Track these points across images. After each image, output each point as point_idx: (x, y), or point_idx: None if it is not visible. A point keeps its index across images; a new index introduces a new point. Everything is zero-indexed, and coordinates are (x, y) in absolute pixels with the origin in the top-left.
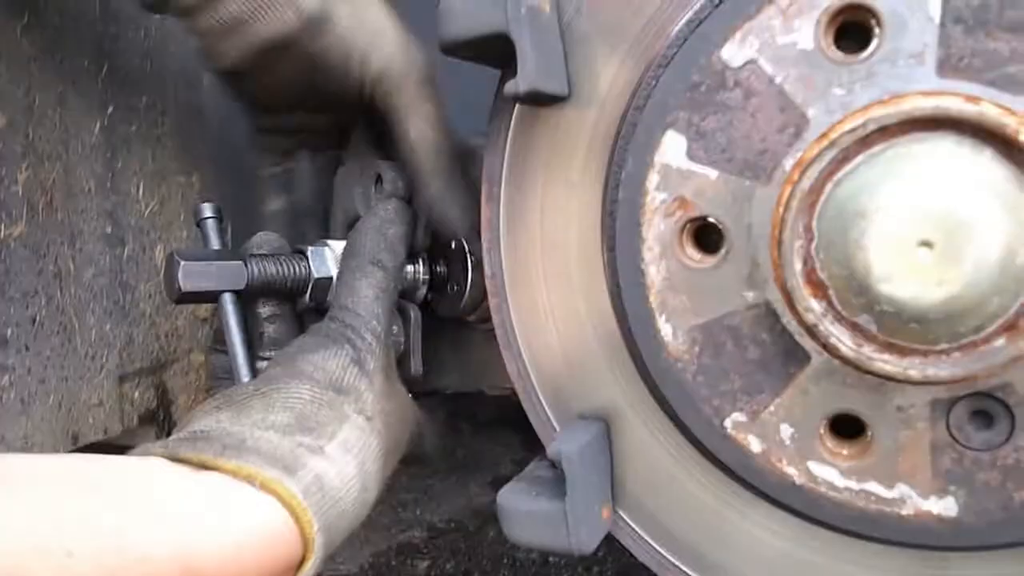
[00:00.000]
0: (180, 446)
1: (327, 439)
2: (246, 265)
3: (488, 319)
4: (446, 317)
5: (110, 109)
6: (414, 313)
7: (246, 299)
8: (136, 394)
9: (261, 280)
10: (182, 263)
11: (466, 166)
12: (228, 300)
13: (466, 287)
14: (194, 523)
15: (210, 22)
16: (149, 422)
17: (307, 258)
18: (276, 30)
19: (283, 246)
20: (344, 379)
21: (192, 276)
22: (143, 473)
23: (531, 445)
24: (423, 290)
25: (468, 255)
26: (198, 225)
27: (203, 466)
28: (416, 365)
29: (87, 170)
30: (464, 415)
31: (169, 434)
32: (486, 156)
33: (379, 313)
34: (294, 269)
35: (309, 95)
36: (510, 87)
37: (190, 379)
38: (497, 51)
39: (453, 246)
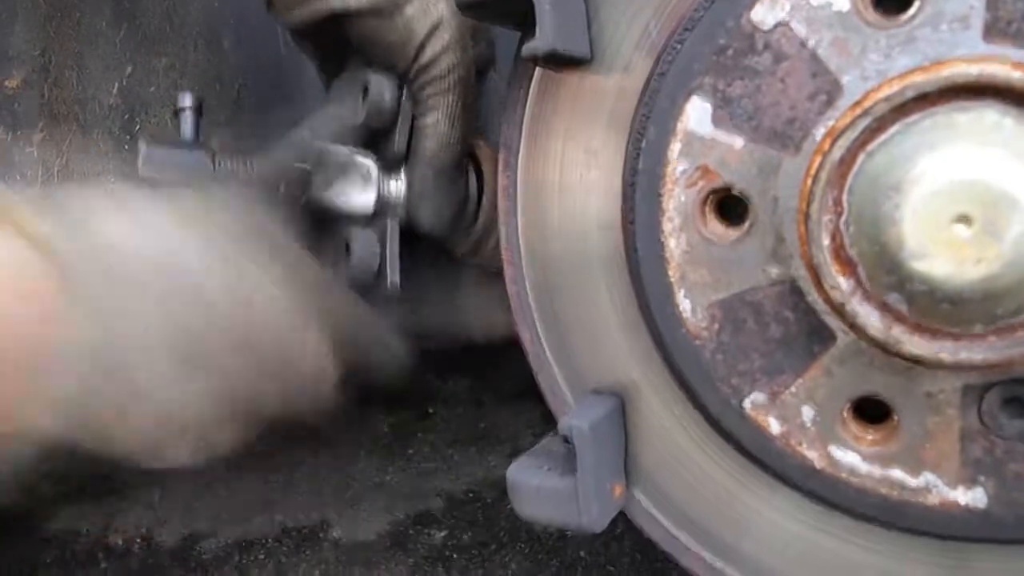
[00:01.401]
0: None
1: None
2: (213, 160)
3: (475, 253)
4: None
5: (128, 70)
6: (391, 225)
7: None
8: None
9: (225, 174)
10: (144, 148)
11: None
12: None
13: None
14: None
15: None
16: None
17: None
18: (346, 4)
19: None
20: None
21: (153, 162)
22: None
23: (552, 418)
24: (403, 207)
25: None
26: (175, 115)
27: None
28: (392, 279)
29: (104, 132)
30: (485, 387)
31: None
32: (503, 123)
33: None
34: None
35: (365, 57)
36: (529, 48)
37: None
38: (517, 10)
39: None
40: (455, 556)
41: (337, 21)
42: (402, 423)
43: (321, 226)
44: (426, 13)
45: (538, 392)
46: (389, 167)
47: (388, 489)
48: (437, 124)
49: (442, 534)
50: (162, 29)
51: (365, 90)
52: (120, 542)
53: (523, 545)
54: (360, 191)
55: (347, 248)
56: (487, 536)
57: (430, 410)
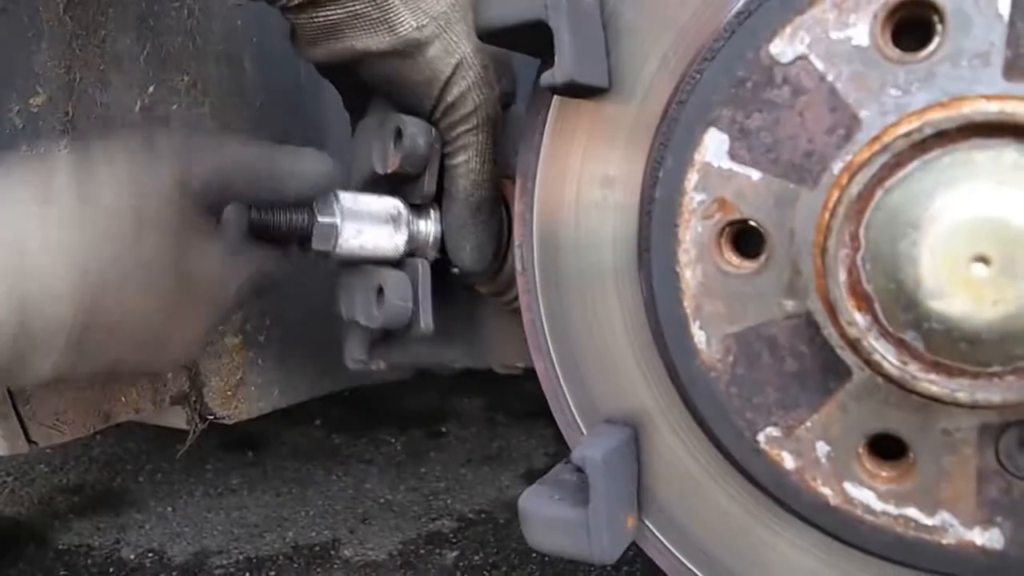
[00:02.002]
0: None
1: None
2: (248, 208)
3: (504, 292)
4: (460, 285)
5: (151, 88)
6: (421, 267)
7: None
8: (168, 375)
9: (261, 223)
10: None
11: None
12: None
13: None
14: None
15: (307, 23)
16: (181, 403)
17: (312, 204)
18: (367, 46)
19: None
20: None
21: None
22: None
23: (565, 439)
24: (435, 249)
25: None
26: None
27: None
28: (425, 320)
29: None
30: (499, 407)
31: (202, 417)
32: (520, 149)
33: None
34: (297, 214)
35: (389, 98)
36: (547, 78)
37: (223, 362)
38: (536, 40)
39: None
40: None
41: (359, 62)
42: (414, 442)
43: (349, 267)
44: (449, 52)
45: (551, 412)
46: (417, 207)
47: (399, 508)
48: (469, 163)
49: (453, 555)
50: (184, 48)
51: (398, 135)
52: (132, 557)
53: (534, 567)
54: (390, 236)
55: (379, 291)
56: (498, 558)
57: (443, 429)
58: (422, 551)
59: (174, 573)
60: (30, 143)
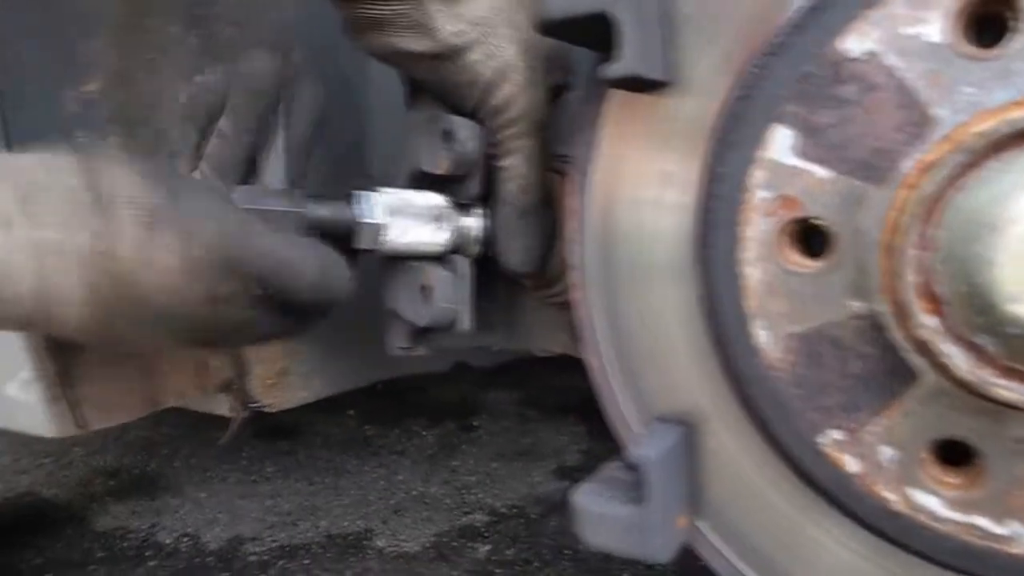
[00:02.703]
0: None
1: None
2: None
3: (547, 286)
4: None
5: (199, 77)
6: (464, 267)
7: None
8: (213, 362)
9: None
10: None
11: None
12: None
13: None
14: None
15: (354, 15)
16: (226, 389)
17: (351, 203)
18: (408, 46)
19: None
20: None
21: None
22: None
23: (597, 435)
24: (478, 245)
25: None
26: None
27: None
28: (466, 321)
29: (177, 137)
30: (531, 402)
31: (245, 405)
32: (575, 144)
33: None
34: (343, 212)
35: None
36: (608, 71)
37: (266, 350)
38: (596, 32)
39: None
40: (498, 571)
41: (402, 60)
42: (446, 434)
43: (392, 261)
44: (490, 56)
45: (583, 408)
46: (462, 204)
47: (432, 500)
48: (517, 167)
49: (486, 548)
50: (233, 37)
51: (447, 136)
52: (168, 541)
53: (566, 563)
54: (434, 234)
55: (424, 290)
56: (530, 553)
57: (474, 423)
58: (455, 544)
59: (209, 559)
60: (85, 129)
